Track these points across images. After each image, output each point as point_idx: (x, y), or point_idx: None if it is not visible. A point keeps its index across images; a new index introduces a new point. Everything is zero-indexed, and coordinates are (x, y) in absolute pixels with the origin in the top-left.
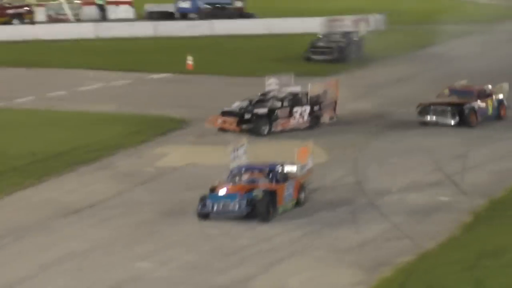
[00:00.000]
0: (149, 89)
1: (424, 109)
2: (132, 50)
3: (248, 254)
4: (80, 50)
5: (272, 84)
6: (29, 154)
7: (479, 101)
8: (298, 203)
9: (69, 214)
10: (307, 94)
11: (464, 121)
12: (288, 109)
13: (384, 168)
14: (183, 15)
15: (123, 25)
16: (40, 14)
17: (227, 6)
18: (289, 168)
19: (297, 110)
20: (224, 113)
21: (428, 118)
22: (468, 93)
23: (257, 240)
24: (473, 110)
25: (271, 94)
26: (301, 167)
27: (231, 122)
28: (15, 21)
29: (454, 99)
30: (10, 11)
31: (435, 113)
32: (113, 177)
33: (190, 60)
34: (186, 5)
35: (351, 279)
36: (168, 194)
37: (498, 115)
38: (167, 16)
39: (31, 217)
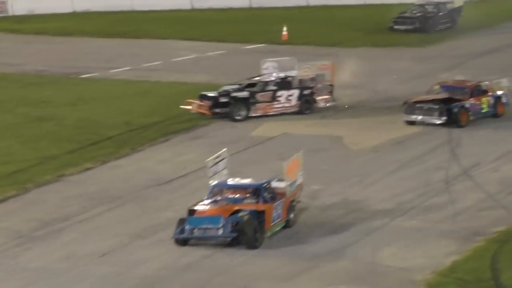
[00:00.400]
0: (243, 60)
1: (410, 107)
2: (226, 21)
3: (342, 224)
4: (175, 21)
5: (269, 67)
6: (123, 124)
7: (472, 98)
8: (287, 225)
9: (161, 184)
10: (297, 77)
11: (453, 120)
12: (271, 93)
13: (476, 138)
14: None
15: None
16: None
17: None
18: (277, 185)
19: (282, 94)
20: (202, 97)
21: (414, 117)
22: (460, 90)
23: (350, 210)
24: (463, 108)
25: (260, 78)
26: (291, 183)
27: (205, 106)
28: None
29: (444, 96)
30: None
31: (422, 111)
32: (206, 147)
33: (284, 31)
34: None
35: (445, 249)
36: (262, 163)
37: (495, 113)
38: None
39: (124, 186)
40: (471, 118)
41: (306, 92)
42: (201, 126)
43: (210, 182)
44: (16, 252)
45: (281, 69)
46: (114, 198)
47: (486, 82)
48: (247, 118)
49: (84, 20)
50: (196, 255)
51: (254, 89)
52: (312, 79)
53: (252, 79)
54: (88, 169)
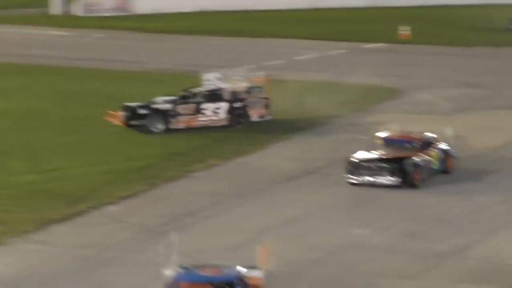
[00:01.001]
0: (362, 59)
1: (355, 167)
2: (345, 20)
3: (465, 223)
4: (295, 20)
5: (211, 79)
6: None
7: (421, 153)
8: None
9: (286, 181)
10: (228, 90)
11: (405, 180)
12: (194, 106)
13: None
14: None
15: None
16: None
17: None
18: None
19: (208, 106)
20: (124, 108)
21: (360, 178)
22: (407, 144)
23: (473, 209)
24: (416, 166)
25: (192, 90)
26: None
27: (121, 117)
28: None
29: (391, 152)
30: None
31: (370, 171)
32: (329, 145)
33: (404, 30)
34: None
35: None
36: None
37: (444, 169)
38: None
39: (250, 183)
40: (424, 176)
41: (236, 105)
42: (323, 125)
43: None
44: (145, 246)
45: (225, 80)
46: (239, 194)
47: (431, 134)
48: (168, 131)
49: (207, 19)
50: (322, 251)
51: (177, 101)
52: (247, 92)
53: (188, 90)
54: (214, 165)
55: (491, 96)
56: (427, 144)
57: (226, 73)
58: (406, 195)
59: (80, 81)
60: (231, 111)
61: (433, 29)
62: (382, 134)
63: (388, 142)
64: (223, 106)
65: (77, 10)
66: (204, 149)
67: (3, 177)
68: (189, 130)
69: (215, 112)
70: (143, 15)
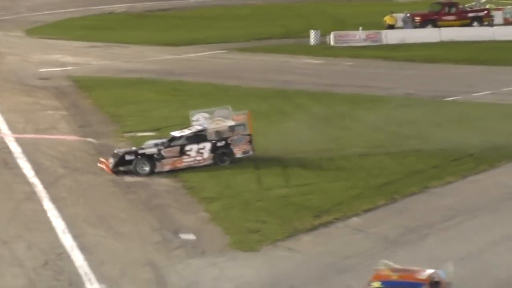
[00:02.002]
0: None
1: None
2: None
3: None
4: None
5: (199, 119)
6: (483, 142)
7: None
8: None
9: None
10: (212, 130)
11: None
12: (177, 148)
13: None
14: None
15: None
16: (497, 17)
17: None
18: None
19: (192, 148)
20: (112, 155)
21: None
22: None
23: None
24: None
25: (179, 132)
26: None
27: (107, 163)
28: (474, 23)
29: None
30: (471, 14)
31: None
32: None
33: None
34: None
35: None
36: None
37: None
38: None
39: (482, 199)
40: None
41: (220, 144)
42: None
43: None
44: (384, 255)
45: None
46: (472, 209)
47: (434, 270)
48: (154, 173)
49: (450, 49)
50: None
51: (164, 144)
52: (230, 130)
53: (177, 131)
54: (450, 182)
55: None
56: (435, 284)
57: (212, 113)
58: None
59: (330, 104)
60: (214, 150)
61: None
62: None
63: (387, 285)
64: (207, 146)
65: (330, 40)
66: (441, 168)
67: (260, 191)
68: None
69: (199, 153)
70: (392, 45)
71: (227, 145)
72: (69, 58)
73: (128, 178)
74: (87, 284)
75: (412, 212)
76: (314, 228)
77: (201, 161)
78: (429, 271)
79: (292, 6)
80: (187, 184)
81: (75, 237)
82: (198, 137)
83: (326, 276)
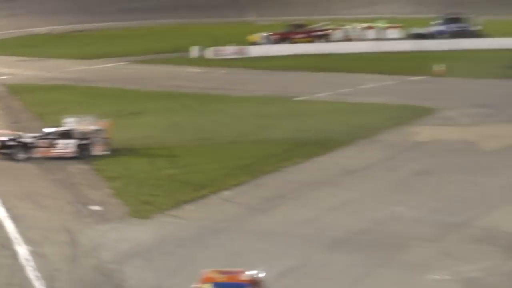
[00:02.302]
0: (408, 87)
1: None
2: (396, 59)
3: (470, 204)
4: (362, 60)
5: (70, 122)
6: (323, 130)
7: None
8: None
9: (348, 173)
10: (78, 130)
11: None
12: (49, 141)
13: None
14: (435, 36)
15: (391, 43)
16: (337, 35)
17: (467, 29)
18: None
19: (61, 142)
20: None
21: None
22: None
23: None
24: None
25: (54, 129)
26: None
27: None
28: (318, 40)
29: None
30: (315, 33)
31: None
32: (381, 148)
33: (438, 67)
34: (438, 28)
35: None
36: (418, 160)
37: None
38: (423, 36)
39: (323, 175)
40: None
41: (83, 142)
42: (377, 134)
43: None
44: (247, 219)
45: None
46: (316, 183)
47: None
48: (30, 159)
49: (300, 60)
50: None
51: (39, 136)
52: (92, 132)
53: (53, 128)
54: (298, 163)
55: (497, 113)
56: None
57: (80, 118)
58: (437, 181)
59: (207, 103)
60: (78, 146)
61: (458, 66)
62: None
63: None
64: (72, 142)
65: (209, 54)
66: (292, 151)
67: (152, 171)
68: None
69: (66, 147)
70: (255, 57)
71: (88, 144)
72: (4, 70)
73: (49, 163)
74: (16, 246)
75: (269, 186)
76: (194, 200)
77: (67, 153)
78: (250, 272)
79: (179, 27)
80: (95, 167)
81: (8, 209)
82: (66, 134)
83: (204, 236)
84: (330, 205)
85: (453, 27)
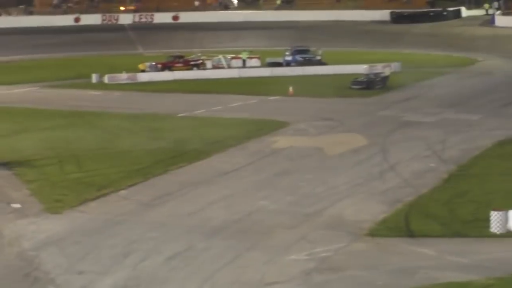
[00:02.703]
0: (267, 105)
1: None
2: (258, 83)
3: (321, 197)
4: (229, 84)
5: None
6: (202, 140)
7: None
8: None
9: (222, 174)
10: None
11: None
12: None
13: (398, 148)
14: (287, 64)
15: (254, 70)
16: (209, 64)
17: (312, 59)
18: None
19: None
20: None
21: None
22: None
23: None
24: None
25: None
26: None
27: None
28: (194, 68)
29: None
30: (192, 62)
31: None
32: (248, 154)
33: (290, 89)
34: (289, 58)
35: (381, 209)
36: (278, 163)
37: None
38: (278, 64)
39: (202, 176)
40: None
41: None
42: (243, 143)
43: None
44: (141, 213)
45: None
46: (196, 183)
47: None
48: None
49: (180, 84)
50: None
51: None
52: None
53: None
54: (181, 166)
55: (338, 125)
56: None
57: None
58: (288, 181)
59: (106, 119)
60: None
61: (308, 88)
62: None
63: None
64: None
65: (106, 80)
66: (176, 158)
67: (62, 175)
68: None
69: None
70: (143, 82)
71: None
72: None
73: None
74: None
75: (158, 185)
76: (97, 198)
77: None
78: None
79: (82, 59)
80: (15, 172)
81: None
82: None
83: (106, 227)
84: (209, 200)
85: (300, 57)
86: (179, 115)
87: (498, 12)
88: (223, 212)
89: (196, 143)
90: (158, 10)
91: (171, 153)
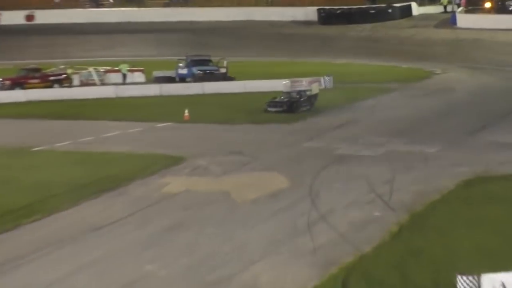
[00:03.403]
0: (155, 135)
1: None
2: (142, 105)
3: (228, 259)
4: (104, 106)
5: None
6: (66, 183)
7: None
8: None
9: (94, 229)
10: None
11: None
12: None
13: (332, 191)
14: (182, 79)
15: (137, 87)
16: (76, 79)
17: (214, 72)
18: None
19: None
20: None
21: None
22: None
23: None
24: None
25: None
26: None
27: None
28: (55, 85)
29: None
30: (53, 78)
31: None
32: (128, 202)
33: (186, 113)
34: (184, 71)
35: (309, 274)
36: (170, 213)
37: None
38: (169, 80)
39: (65, 233)
40: None
41: None
42: (124, 186)
43: None
44: None
45: None
46: (56, 241)
47: None
48: None
49: (36, 107)
50: None
51: None
52: None
53: None
54: (38, 219)
55: (251, 161)
56: None
57: None
58: (187, 237)
59: None
60: None
61: (207, 111)
62: None
63: None
64: None
65: None
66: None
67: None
68: None
69: None
70: None
71: None
72: None
73: None
74: None
75: (6, 246)
76: None
77: None
78: None
79: None
80: None
81: None
82: None
83: None
84: (76, 265)
85: (199, 70)
86: (34, 149)
87: (460, 9)
88: (95, 282)
89: (57, 188)
90: (5, 7)
91: (24, 201)
